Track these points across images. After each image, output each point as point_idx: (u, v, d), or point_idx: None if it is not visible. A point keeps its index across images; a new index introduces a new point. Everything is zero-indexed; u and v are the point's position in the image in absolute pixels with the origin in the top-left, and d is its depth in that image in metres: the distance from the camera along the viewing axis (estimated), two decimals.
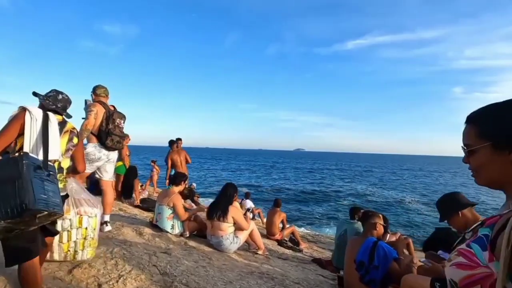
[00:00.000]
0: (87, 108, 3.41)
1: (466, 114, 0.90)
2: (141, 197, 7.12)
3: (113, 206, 5.72)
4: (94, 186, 8.43)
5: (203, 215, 4.56)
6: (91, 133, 3.40)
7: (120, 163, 7.43)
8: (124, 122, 3.61)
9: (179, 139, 7.80)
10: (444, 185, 32.73)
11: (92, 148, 3.40)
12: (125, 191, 6.87)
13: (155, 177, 10.94)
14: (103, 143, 3.41)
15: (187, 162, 7.71)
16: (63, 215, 1.85)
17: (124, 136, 3.65)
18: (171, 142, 7.77)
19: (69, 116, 2.16)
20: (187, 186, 8.25)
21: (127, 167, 7.24)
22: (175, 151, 7.71)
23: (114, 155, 3.64)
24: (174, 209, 4.14)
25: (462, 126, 0.91)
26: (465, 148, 0.88)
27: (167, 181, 7.66)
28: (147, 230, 3.90)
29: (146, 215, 5.86)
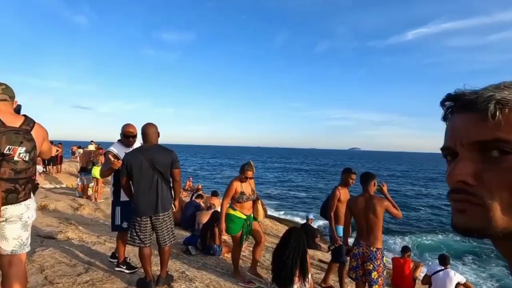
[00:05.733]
0: None
1: None
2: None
3: None
4: (189, 219, 5.92)
5: None
6: None
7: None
8: (30, 152, 1.85)
9: None
10: None
11: None
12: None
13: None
14: None
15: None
16: None
17: (29, 177, 1.88)
18: None
19: None
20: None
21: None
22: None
23: (19, 209, 1.87)
24: None
25: None
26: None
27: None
28: None
29: None
